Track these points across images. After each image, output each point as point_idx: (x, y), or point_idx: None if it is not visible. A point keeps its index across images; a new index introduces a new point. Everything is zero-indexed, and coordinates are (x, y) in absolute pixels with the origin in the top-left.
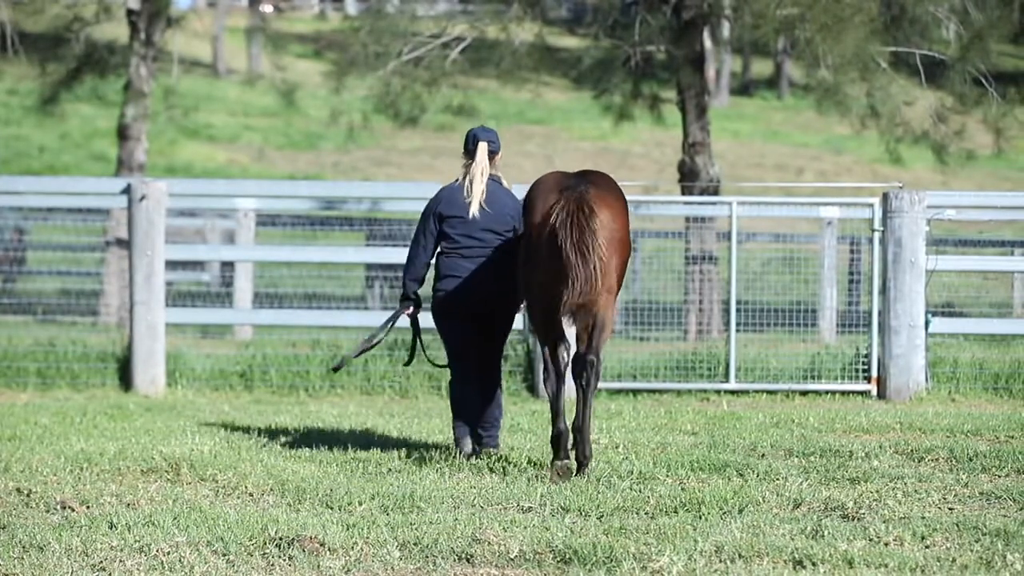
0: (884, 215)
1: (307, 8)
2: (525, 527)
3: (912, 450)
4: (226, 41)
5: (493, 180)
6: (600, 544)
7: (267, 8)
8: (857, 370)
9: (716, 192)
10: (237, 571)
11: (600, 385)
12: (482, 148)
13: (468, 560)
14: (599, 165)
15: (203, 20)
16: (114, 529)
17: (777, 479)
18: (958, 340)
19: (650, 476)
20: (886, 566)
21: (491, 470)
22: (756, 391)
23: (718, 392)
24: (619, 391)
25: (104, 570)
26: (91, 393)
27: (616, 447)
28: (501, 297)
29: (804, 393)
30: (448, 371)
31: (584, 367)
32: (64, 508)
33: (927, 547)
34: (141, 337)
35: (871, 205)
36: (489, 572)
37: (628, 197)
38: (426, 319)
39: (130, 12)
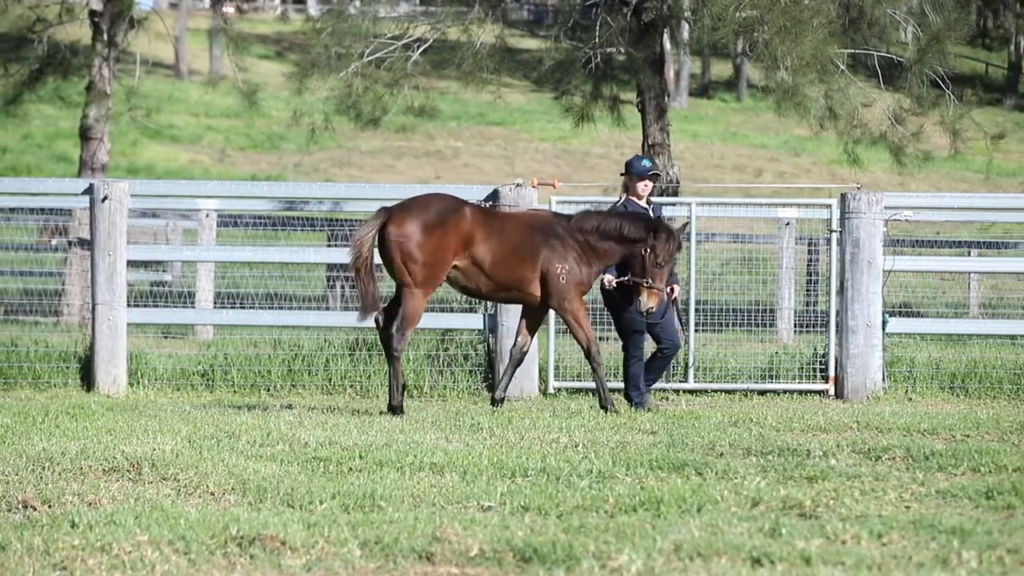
0: (842, 216)
1: (269, 9)
2: (485, 526)
3: (869, 449)
4: (188, 42)
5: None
6: (560, 543)
7: (229, 9)
8: (815, 370)
9: (675, 193)
10: (198, 570)
11: (560, 384)
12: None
13: (428, 559)
14: (559, 166)
15: (165, 21)
16: (76, 528)
17: (735, 478)
18: (915, 340)
19: (609, 475)
20: (843, 564)
21: (451, 469)
22: (715, 390)
23: (677, 391)
24: (578, 390)
25: (66, 569)
26: (53, 393)
27: (575, 446)
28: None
29: (762, 392)
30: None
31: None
32: (26, 507)
33: (884, 545)
34: (103, 337)
35: (829, 206)
36: (449, 571)
37: (588, 198)
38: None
39: (93, 13)
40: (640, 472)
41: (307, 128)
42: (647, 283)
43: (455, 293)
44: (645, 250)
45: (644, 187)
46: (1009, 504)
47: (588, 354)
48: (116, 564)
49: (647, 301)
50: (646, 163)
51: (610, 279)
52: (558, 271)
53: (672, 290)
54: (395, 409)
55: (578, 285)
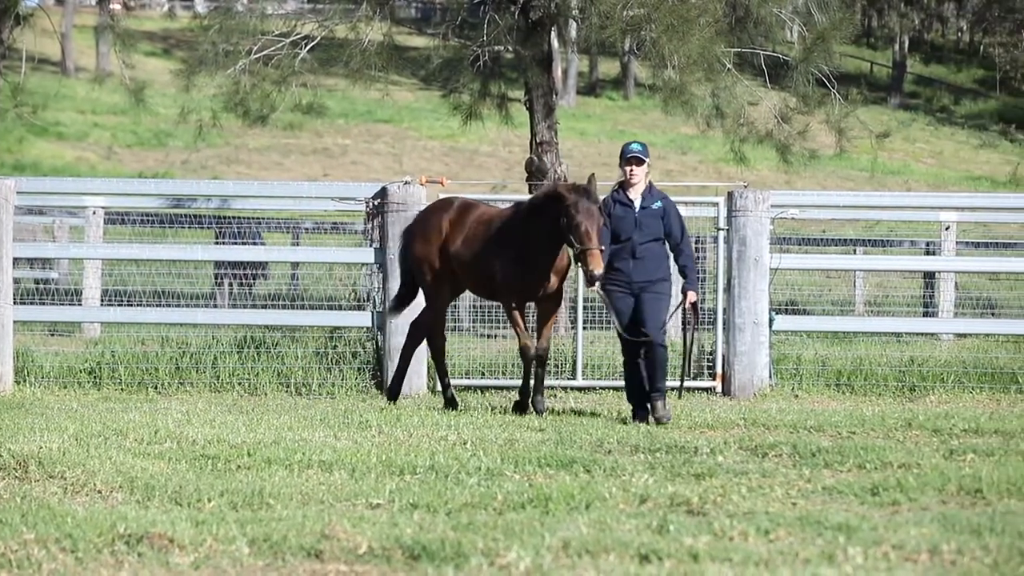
0: (729, 214)
1: (156, 6)
2: (374, 523)
3: (756, 446)
4: (75, 39)
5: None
6: (448, 540)
7: (116, 6)
8: (702, 367)
9: None
10: (86, 569)
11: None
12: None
13: (317, 556)
14: (448, 164)
15: (52, 18)
16: None
17: (623, 475)
18: (801, 337)
19: (498, 472)
20: (731, 560)
21: (340, 467)
22: (603, 388)
23: (565, 389)
24: (467, 387)
25: None
26: None
27: (464, 443)
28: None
29: None
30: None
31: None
32: None
33: (771, 541)
34: None
35: (716, 204)
36: (338, 568)
37: (476, 195)
38: None
39: None
40: (528, 469)
41: (194, 125)
42: (577, 248)
43: (343, 291)
44: (561, 219)
45: (630, 172)
46: (894, 500)
47: (521, 354)
48: (2, 563)
49: (591, 266)
50: (633, 146)
51: (594, 287)
52: (495, 271)
53: (686, 295)
54: (449, 402)
55: (510, 286)
